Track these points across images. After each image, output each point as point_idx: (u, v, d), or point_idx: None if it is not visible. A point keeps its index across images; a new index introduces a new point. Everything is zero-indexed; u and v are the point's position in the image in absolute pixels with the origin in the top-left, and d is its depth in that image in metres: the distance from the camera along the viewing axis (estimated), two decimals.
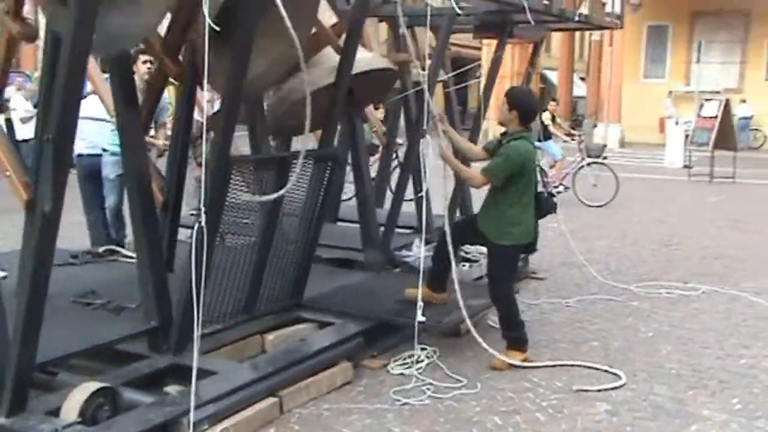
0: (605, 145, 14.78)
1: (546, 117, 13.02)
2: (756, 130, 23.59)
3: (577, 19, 6.46)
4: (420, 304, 4.88)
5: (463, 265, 6.89)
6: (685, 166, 18.55)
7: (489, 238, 5.13)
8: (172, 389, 4.33)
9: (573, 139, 13.40)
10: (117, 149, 6.82)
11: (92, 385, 3.85)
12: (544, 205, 5.23)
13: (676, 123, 18.98)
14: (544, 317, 6.35)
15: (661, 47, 25.25)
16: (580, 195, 12.34)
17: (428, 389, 4.76)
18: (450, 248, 5.19)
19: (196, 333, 3.74)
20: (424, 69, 7.54)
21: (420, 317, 4.83)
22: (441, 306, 5.48)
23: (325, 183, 5.35)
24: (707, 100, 16.84)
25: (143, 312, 4.63)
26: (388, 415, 4.43)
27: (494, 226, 5.09)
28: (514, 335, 5.16)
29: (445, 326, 5.39)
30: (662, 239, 9.77)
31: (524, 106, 5.10)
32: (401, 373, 5.04)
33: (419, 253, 6.80)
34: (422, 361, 5.19)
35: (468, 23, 7.03)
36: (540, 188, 11.41)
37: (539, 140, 12.76)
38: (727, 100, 15.99)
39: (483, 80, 8.07)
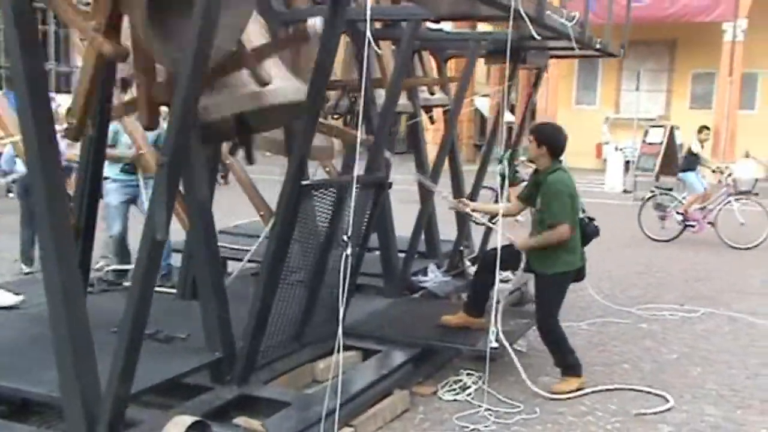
0: (757, 180, 12.55)
1: (696, 145, 11.89)
2: None
3: (598, 47, 6.62)
4: (493, 329, 4.87)
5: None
6: (625, 191, 19.20)
7: (539, 267, 5.16)
8: (241, 421, 4.19)
9: (722, 173, 12.03)
10: (120, 176, 6.66)
11: (186, 419, 3.70)
12: (588, 231, 5.31)
13: (616, 149, 19.60)
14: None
15: (593, 75, 26.10)
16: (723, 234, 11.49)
17: (490, 415, 4.75)
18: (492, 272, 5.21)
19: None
20: (432, 93, 7.66)
21: (494, 343, 4.82)
22: (478, 331, 5.50)
23: (370, 209, 5.31)
24: (652, 126, 17.48)
25: (206, 343, 4.48)
26: None
27: (544, 255, 5.13)
28: (570, 362, 5.20)
29: (495, 353, 5.39)
30: (642, 262, 10.03)
31: (553, 142, 5.17)
32: (454, 399, 5.02)
33: (436, 278, 6.85)
34: (469, 387, 5.20)
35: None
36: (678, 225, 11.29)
37: (679, 171, 12.23)
38: (672, 128, 16.65)
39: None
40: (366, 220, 5.30)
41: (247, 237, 7.47)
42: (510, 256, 5.24)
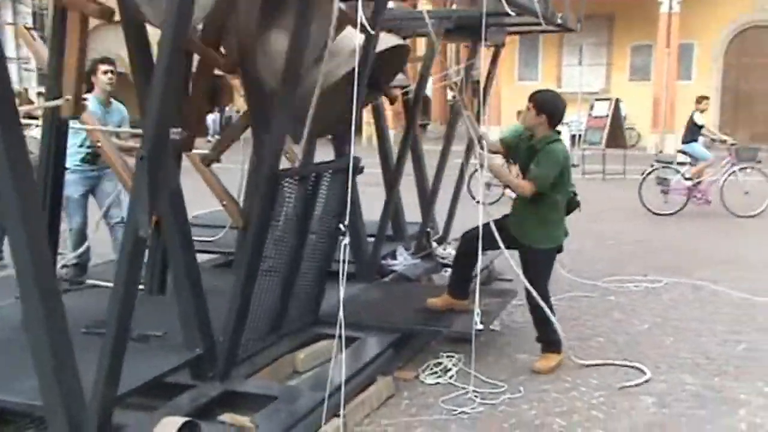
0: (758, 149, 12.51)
1: (699, 117, 11.93)
2: (630, 129, 24.94)
3: (559, 22, 6.61)
4: (477, 311, 4.84)
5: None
6: (573, 165, 19.39)
7: (528, 243, 5.12)
8: (228, 417, 4.09)
9: (723, 142, 12.21)
10: (80, 166, 6.44)
11: (176, 420, 3.58)
12: (571, 204, 5.31)
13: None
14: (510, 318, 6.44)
15: (534, 51, 26.28)
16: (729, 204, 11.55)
17: (476, 396, 4.73)
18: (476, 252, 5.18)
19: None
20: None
21: (479, 325, 4.78)
22: (459, 313, 5.47)
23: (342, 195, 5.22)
24: (597, 100, 17.67)
25: (185, 339, 4.34)
26: (452, 426, 4.38)
27: (535, 231, 5.09)
28: (554, 338, 5.20)
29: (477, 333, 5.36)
30: (596, 235, 10.13)
31: (553, 110, 5.08)
32: (437, 383, 5.00)
33: (405, 261, 6.81)
34: (450, 369, 5.17)
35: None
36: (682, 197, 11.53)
37: (682, 142, 12.23)
38: (617, 100, 16.84)
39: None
40: (340, 205, 5.21)
41: (207, 228, 7.32)
42: (492, 236, 5.21)
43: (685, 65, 25.24)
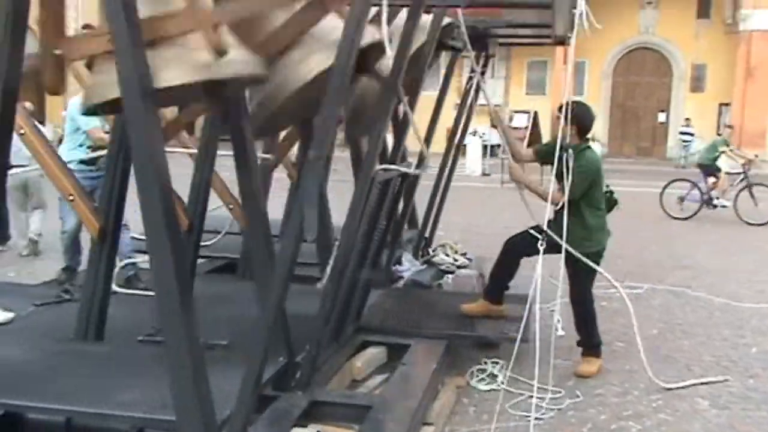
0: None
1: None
2: None
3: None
4: (557, 318, 4.79)
5: None
6: (484, 174, 19.88)
7: (577, 247, 5.15)
8: (331, 429, 3.92)
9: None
10: (79, 167, 6.01)
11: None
12: (610, 202, 5.41)
13: (474, 134, 20.14)
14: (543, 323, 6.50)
15: (436, 64, 26.64)
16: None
17: (541, 402, 4.72)
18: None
19: None
20: None
21: (560, 331, 4.75)
22: (499, 318, 5.47)
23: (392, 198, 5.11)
24: (516, 112, 18.16)
25: (251, 350, 4.08)
26: None
27: (578, 235, 5.14)
28: (596, 341, 5.27)
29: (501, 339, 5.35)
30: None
31: (582, 120, 5.20)
32: (491, 389, 4.96)
33: (412, 267, 6.74)
34: (497, 375, 5.15)
35: None
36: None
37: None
38: (536, 113, 17.34)
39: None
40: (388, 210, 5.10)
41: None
42: (534, 242, 5.21)
43: (579, 81, 26.37)
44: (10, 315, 4.71)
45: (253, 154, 4.03)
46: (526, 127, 16.99)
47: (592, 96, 26.91)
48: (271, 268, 4.12)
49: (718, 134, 14.94)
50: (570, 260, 5.26)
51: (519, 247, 5.37)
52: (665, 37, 26.51)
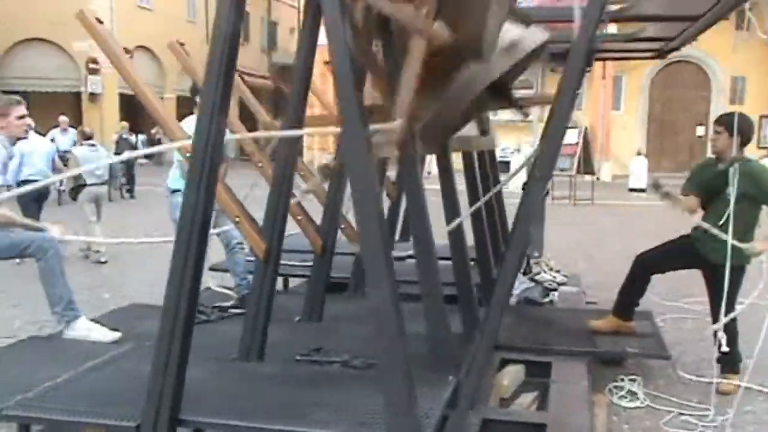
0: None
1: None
2: None
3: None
4: (721, 335, 4.72)
5: None
6: (523, 188, 19.81)
7: (721, 260, 5.04)
8: None
9: None
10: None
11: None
12: None
13: (518, 151, 20.17)
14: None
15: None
16: None
17: (694, 420, 4.67)
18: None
19: None
20: None
21: (725, 347, 4.69)
22: (629, 335, 5.44)
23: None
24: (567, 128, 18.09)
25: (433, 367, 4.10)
26: None
27: (736, 248, 4.94)
28: (737, 358, 5.19)
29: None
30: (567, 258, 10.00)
31: (746, 130, 5.14)
32: (636, 407, 4.91)
33: (521, 284, 6.71)
34: (636, 392, 5.10)
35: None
36: None
37: None
38: (586, 128, 17.32)
39: None
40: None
41: (297, 252, 6.95)
42: (674, 256, 5.18)
43: (616, 96, 26.34)
44: (117, 335, 4.74)
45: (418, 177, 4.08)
46: (577, 143, 16.94)
47: (629, 110, 26.92)
48: (437, 287, 4.16)
49: (759, 147, 14.65)
50: (713, 274, 5.18)
51: (653, 262, 5.33)
52: (703, 50, 26.41)
